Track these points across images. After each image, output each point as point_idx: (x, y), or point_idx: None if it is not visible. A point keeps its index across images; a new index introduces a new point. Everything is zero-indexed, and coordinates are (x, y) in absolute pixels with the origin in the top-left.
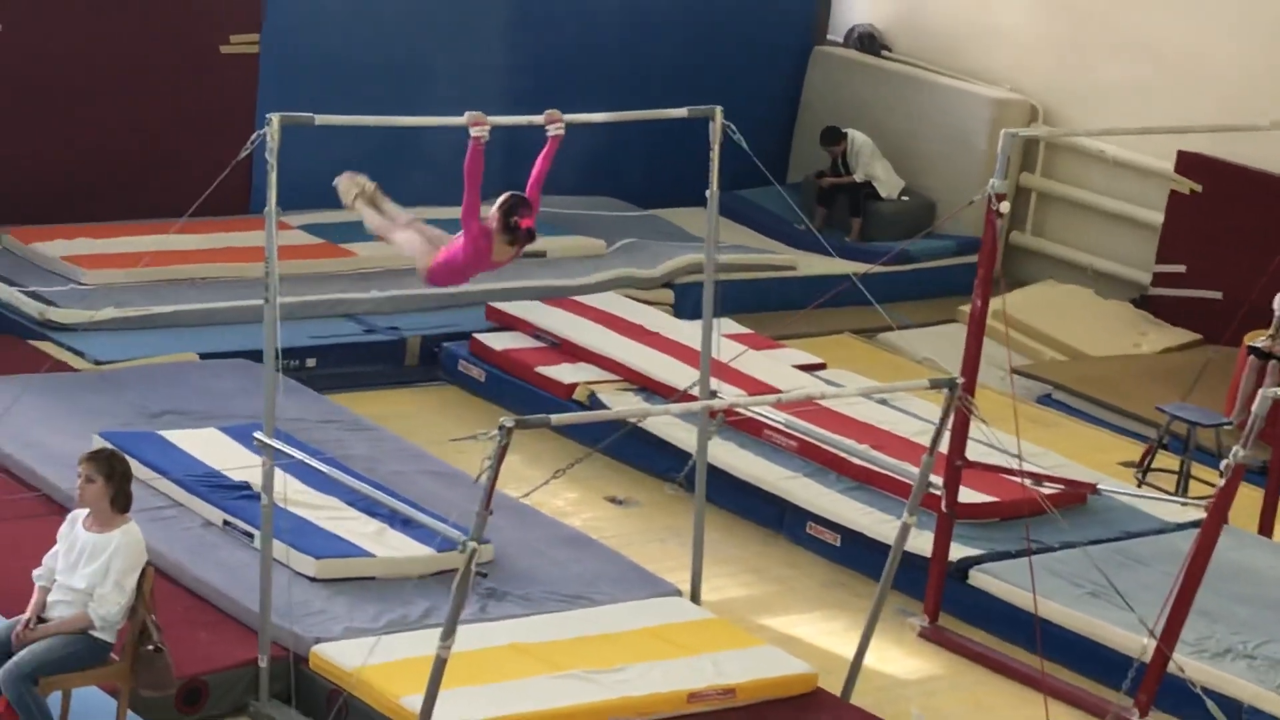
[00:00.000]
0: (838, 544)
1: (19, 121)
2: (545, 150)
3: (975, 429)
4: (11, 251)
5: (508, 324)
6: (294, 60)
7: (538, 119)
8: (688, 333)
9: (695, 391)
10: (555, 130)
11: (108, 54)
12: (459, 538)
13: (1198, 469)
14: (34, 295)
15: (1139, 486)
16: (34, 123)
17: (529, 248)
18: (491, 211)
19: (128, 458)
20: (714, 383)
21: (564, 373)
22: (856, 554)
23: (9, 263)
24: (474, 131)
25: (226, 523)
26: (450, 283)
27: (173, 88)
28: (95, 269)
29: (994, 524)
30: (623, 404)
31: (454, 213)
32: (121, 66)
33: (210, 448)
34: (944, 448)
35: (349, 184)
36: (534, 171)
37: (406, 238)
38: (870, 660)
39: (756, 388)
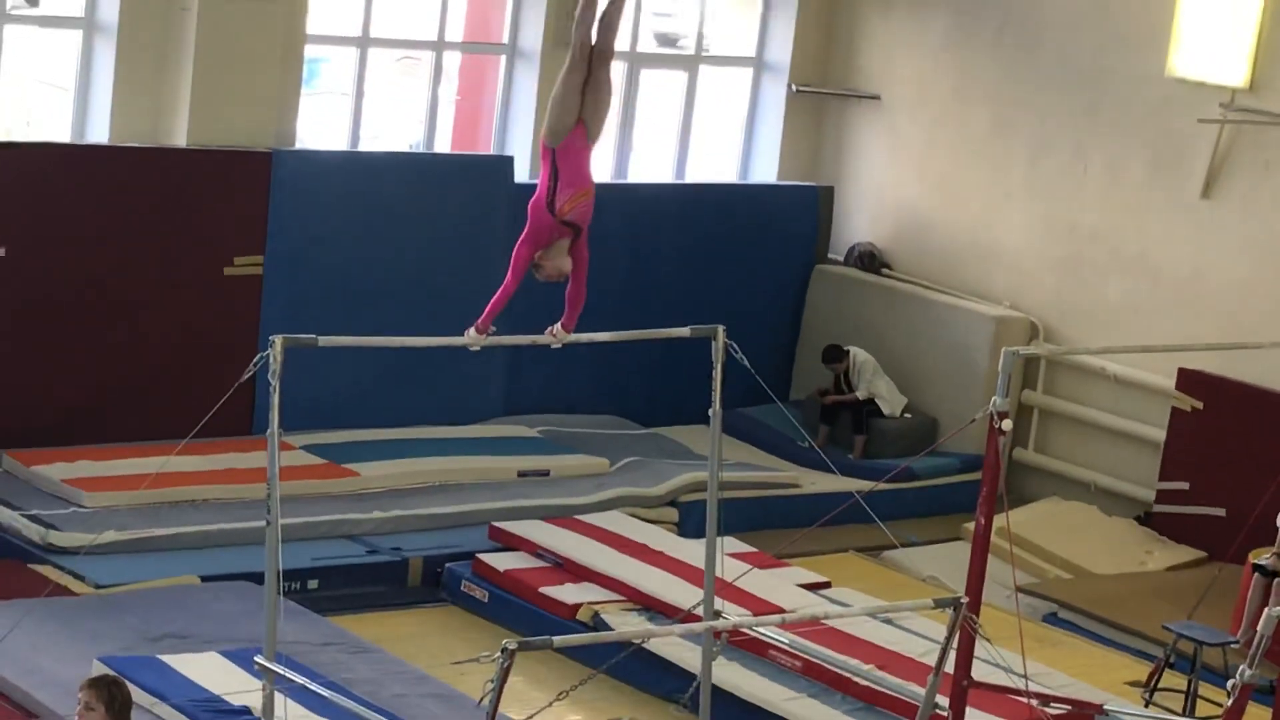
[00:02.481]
0: None
1: (20, 344)
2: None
3: (981, 648)
4: (12, 474)
5: (511, 544)
6: (299, 280)
7: (541, 338)
8: (692, 551)
9: (699, 612)
10: (555, 345)
11: (110, 276)
12: None
13: (1205, 688)
14: (35, 519)
15: (1146, 706)
16: (34, 345)
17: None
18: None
19: (128, 683)
20: (718, 602)
21: (567, 593)
22: None
23: (10, 486)
24: (472, 349)
25: None
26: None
27: (176, 309)
28: (96, 491)
29: None
30: (626, 624)
31: (454, 433)
32: (124, 289)
33: (211, 672)
34: (950, 668)
35: None
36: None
37: None
38: None
39: (761, 607)
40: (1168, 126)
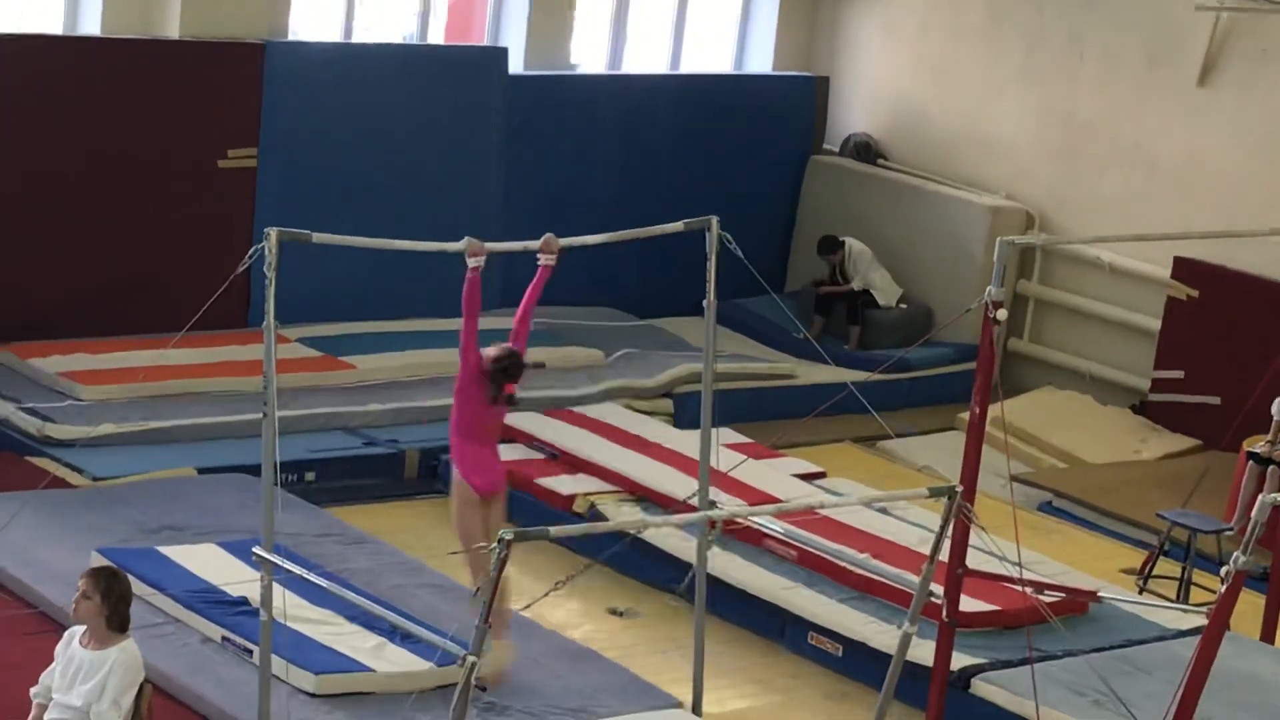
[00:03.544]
0: (840, 654)
1: (13, 237)
2: (536, 279)
3: (975, 537)
4: (9, 368)
5: (507, 435)
6: (293, 173)
7: (534, 244)
8: (687, 442)
9: (695, 502)
10: (547, 260)
11: (103, 169)
12: (459, 651)
13: (1199, 576)
14: (32, 411)
15: (1140, 594)
16: (29, 239)
17: (529, 359)
18: (486, 357)
19: (127, 575)
20: (713, 493)
21: (563, 484)
22: (859, 664)
23: (6, 379)
24: (471, 261)
25: (225, 639)
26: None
27: (170, 202)
28: (93, 385)
29: (995, 633)
30: (622, 515)
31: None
32: (117, 182)
33: (209, 563)
34: (944, 556)
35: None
36: (524, 302)
37: None
38: None
39: (756, 497)
40: (1164, 14)
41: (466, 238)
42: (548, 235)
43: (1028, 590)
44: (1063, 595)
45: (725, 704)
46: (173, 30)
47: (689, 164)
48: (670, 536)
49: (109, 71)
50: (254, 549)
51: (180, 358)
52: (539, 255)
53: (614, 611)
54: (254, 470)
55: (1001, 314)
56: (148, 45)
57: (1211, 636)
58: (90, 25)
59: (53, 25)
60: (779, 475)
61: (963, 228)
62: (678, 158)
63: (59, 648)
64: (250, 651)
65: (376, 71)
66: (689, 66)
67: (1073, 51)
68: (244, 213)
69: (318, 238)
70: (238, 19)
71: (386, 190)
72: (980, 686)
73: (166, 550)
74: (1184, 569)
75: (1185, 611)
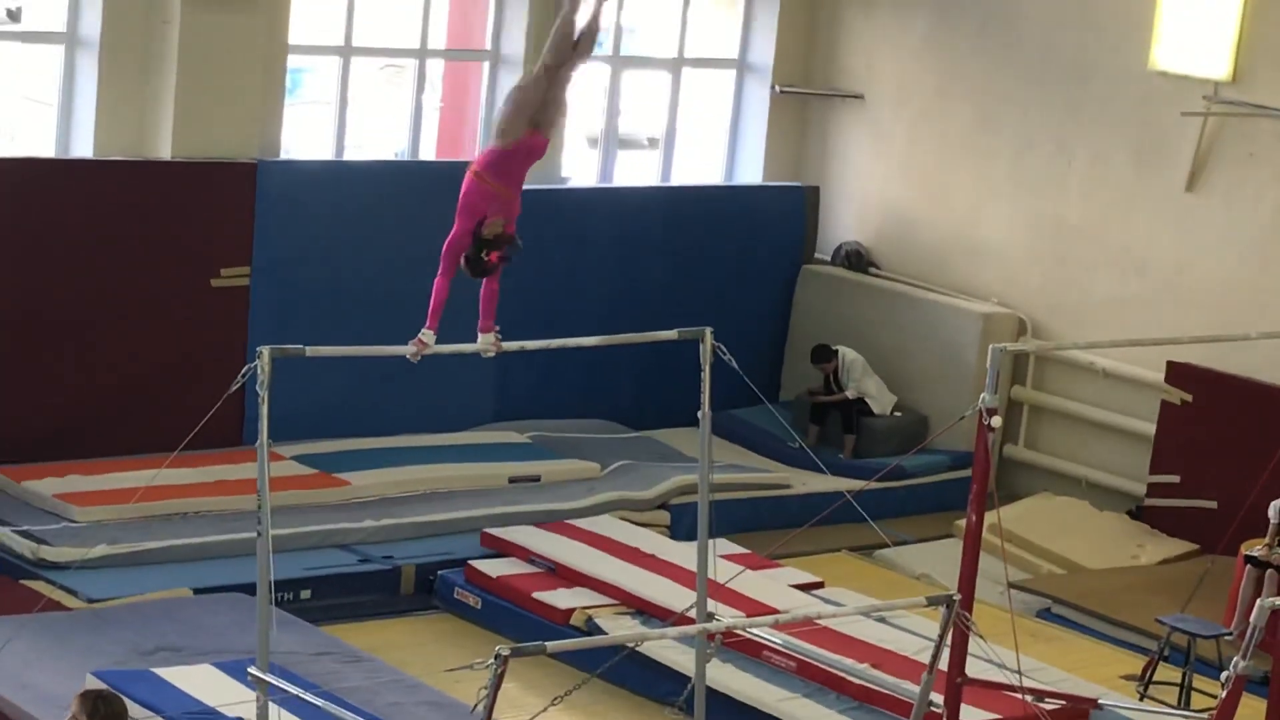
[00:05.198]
0: None
1: (7, 358)
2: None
3: (975, 645)
4: (3, 490)
5: (503, 550)
6: (286, 291)
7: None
8: (684, 554)
9: (693, 614)
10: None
11: (97, 289)
12: None
13: (1200, 681)
14: (26, 534)
15: (1141, 700)
16: (22, 359)
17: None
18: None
19: (123, 698)
20: (711, 604)
21: (560, 598)
22: None
23: (0, 502)
24: (409, 352)
25: None
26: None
27: (164, 322)
28: (87, 505)
29: None
30: (620, 628)
31: (446, 440)
32: (110, 302)
33: (205, 684)
34: (944, 665)
35: None
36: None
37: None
38: None
39: (754, 608)
40: (1151, 120)
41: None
42: (489, 336)
43: (1028, 698)
44: (1063, 703)
45: None
46: (165, 151)
47: (681, 275)
48: (669, 649)
49: (101, 193)
50: (250, 669)
51: (174, 477)
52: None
53: None
54: (249, 589)
55: (996, 421)
56: (140, 166)
57: None
58: (83, 147)
59: (45, 148)
60: (777, 586)
61: (955, 335)
62: (670, 269)
63: None
64: None
65: (368, 188)
66: (679, 179)
67: (1061, 157)
68: (237, 331)
69: (311, 351)
70: (230, 139)
71: (380, 305)
72: None
73: (162, 672)
74: (1184, 674)
75: (1187, 718)
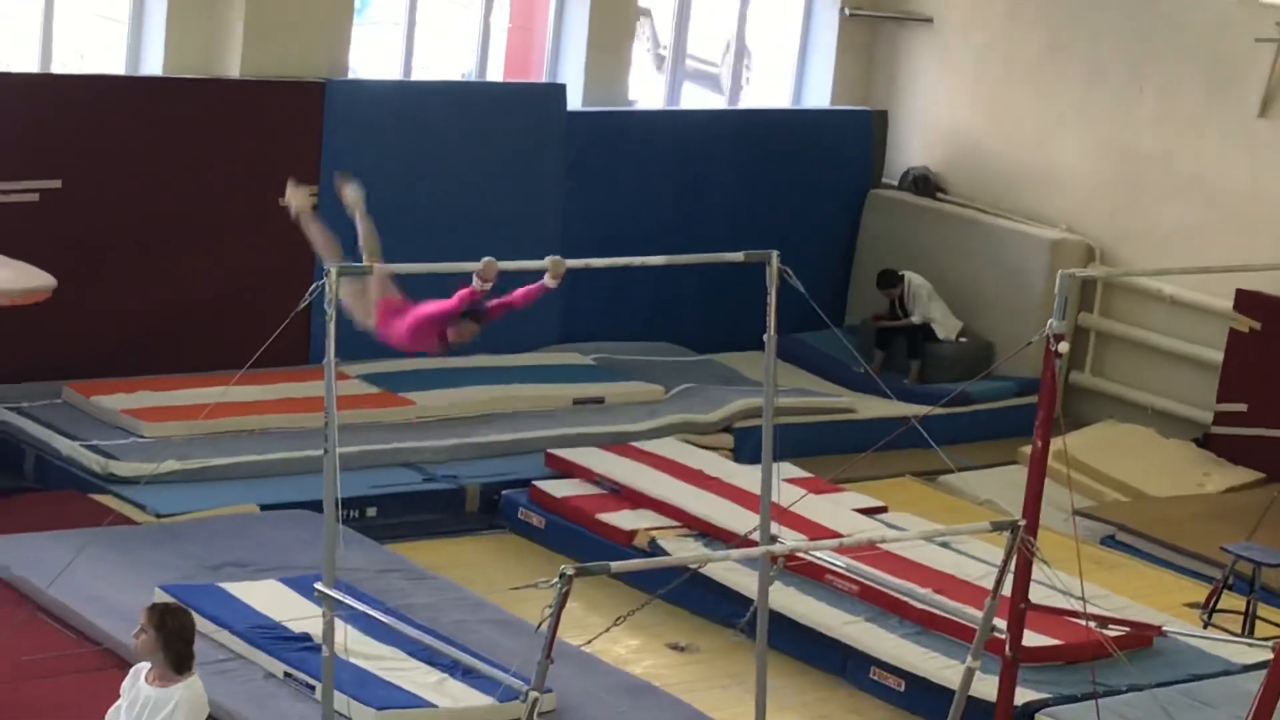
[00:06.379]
0: (902, 689)
1: (77, 276)
2: (531, 289)
3: (1038, 571)
4: (72, 406)
5: (567, 471)
6: None
7: (543, 264)
8: (747, 477)
9: (755, 536)
10: (550, 282)
11: (166, 207)
12: (521, 687)
13: (1264, 609)
14: (95, 449)
15: (1205, 628)
16: (92, 277)
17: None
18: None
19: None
20: (774, 527)
21: (624, 519)
22: (921, 699)
23: (70, 417)
24: (477, 283)
25: (288, 674)
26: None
27: (231, 240)
28: (155, 422)
29: (1059, 667)
30: (683, 550)
31: (510, 361)
32: (179, 220)
33: (271, 599)
34: (1007, 591)
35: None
36: (509, 298)
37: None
38: None
39: (817, 532)
40: (1223, 46)
41: (486, 258)
42: (555, 258)
43: (1091, 625)
44: (1126, 630)
45: None
46: (234, 70)
47: (747, 199)
48: (731, 571)
49: (171, 111)
50: (316, 585)
51: (242, 395)
52: (547, 277)
53: (675, 647)
54: (315, 506)
55: (1063, 347)
56: (209, 85)
57: (1277, 670)
58: (153, 66)
59: (115, 66)
60: (840, 510)
61: (1023, 261)
62: (736, 193)
63: (125, 684)
64: (312, 687)
65: (436, 109)
66: (747, 102)
67: (1131, 84)
68: (305, 249)
69: (377, 269)
70: (298, 58)
71: (446, 226)
72: None
73: (229, 587)
74: (1249, 603)
75: (1250, 645)
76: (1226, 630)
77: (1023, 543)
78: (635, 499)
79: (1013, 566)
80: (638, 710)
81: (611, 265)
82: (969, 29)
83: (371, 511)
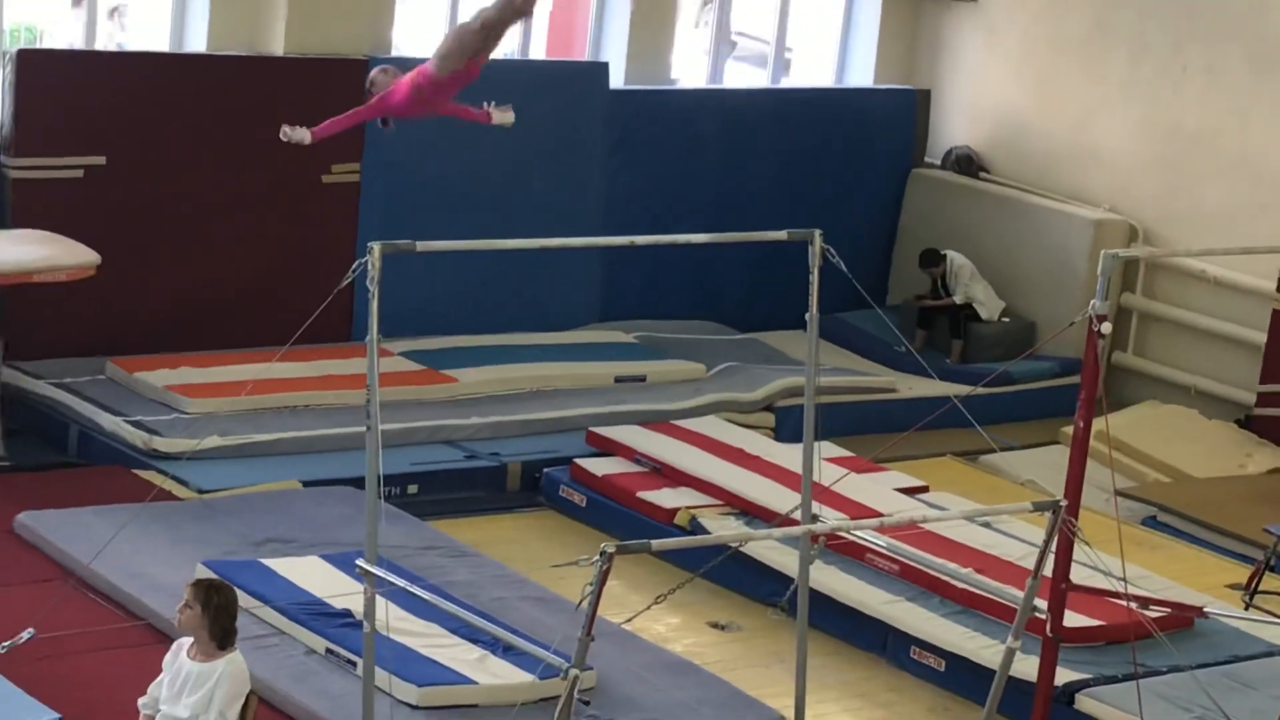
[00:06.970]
0: (942, 669)
1: (121, 252)
2: (467, 110)
3: (1079, 552)
4: (115, 381)
5: (608, 449)
6: (395, 189)
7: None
8: (788, 456)
9: (797, 515)
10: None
11: (209, 184)
12: (561, 664)
13: None
14: (138, 425)
15: (1247, 609)
16: (135, 253)
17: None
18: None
19: (233, 587)
20: (815, 506)
21: (665, 497)
22: (962, 679)
23: (113, 392)
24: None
25: (329, 650)
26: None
27: (274, 217)
28: (198, 398)
29: (1100, 648)
30: (724, 528)
31: (551, 339)
32: (222, 197)
33: (313, 575)
34: (1048, 571)
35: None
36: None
37: None
38: None
39: (858, 511)
40: (1269, 23)
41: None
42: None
43: (1132, 605)
44: (1168, 610)
45: (827, 718)
46: (277, 47)
47: (789, 178)
48: (772, 550)
49: (214, 88)
50: (358, 562)
51: (284, 371)
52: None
53: (715, 625)
54: (358, 483)
55: (1106, 327)
56: (253, 62)
57: None
58: (196, 43)
59: (159, 43)
60: (881, 489)
61: (1066, 241)
62: (778, 171)
63: (167, 659)
64: (354, 664)
65: (478, 86)
66: (790, 80)
67: (1176, 62)
68: (347, 227)
69: (421, 246)
70: (342, 35)
71: (489, 204)
72: (1084, 702)
73: (271, 563)
74: None
75: None
76: (1268, 612)
77: (1064, 523)
78: (676, 477)
79: (1054, 547)
80: (678, 688)
81: (654, 243)
82: (1013, 7)
83: (413, 488)
